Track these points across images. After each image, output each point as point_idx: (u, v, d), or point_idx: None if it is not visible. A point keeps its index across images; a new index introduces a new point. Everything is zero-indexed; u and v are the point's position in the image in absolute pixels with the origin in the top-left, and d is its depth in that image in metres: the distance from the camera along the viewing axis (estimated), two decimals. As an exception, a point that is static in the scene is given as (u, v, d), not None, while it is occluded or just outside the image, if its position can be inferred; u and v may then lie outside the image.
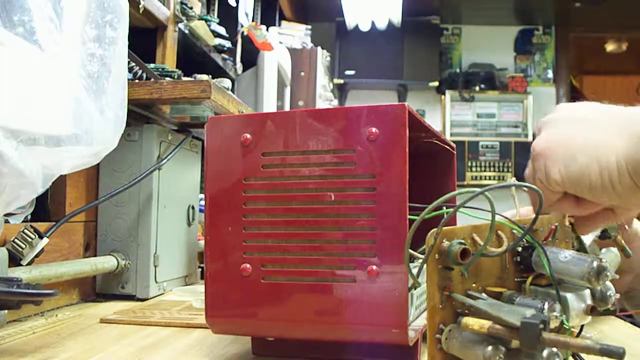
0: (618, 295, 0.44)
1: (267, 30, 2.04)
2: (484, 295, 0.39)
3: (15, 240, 0.62)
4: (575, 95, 4.28)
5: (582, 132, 0.44)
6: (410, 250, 0.39)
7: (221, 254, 0.47)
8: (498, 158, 3.93)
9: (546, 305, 0.38)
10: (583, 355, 0.39)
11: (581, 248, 0.50)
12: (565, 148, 0.45)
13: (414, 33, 3.88)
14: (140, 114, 0.86)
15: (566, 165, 0.44)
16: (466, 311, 0.38)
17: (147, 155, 0.82)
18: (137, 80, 0.85)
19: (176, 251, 0.91)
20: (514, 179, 0.53)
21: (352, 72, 3.89)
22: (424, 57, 3.90)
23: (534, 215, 0.40)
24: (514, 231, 0.43)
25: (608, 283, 0.43)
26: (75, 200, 0.79)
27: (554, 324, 0.37)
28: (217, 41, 1.46)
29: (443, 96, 3.98)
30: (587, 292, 0.42)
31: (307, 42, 2.82)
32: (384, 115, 0.43)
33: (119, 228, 0.82)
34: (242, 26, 1.81)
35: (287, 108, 2.34)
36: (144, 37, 1.05)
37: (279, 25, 2.80)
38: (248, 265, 0.46)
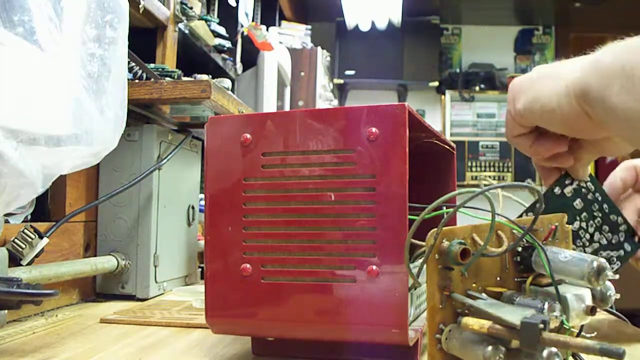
0: (618, 295, 0.44)
1: (267, 30, 2.04)
2: (484, 295, 0.39)
3: (15, 240, 0.62)
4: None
5: (548, 69, 0.50)
6: (413, 240, 0.39)
7: (221, 254, 0.47)
8: (498, 158, 3.94)
9: (546, 305, 0.38)
10: (583, 355, 0.39)
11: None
12: (530, 82, 0.50)
13: (414, 33, 3.88)
14: (140, 114, 0.86)
15: (526, 95, 0.50)
16: (466, 311, 0.38)
17: (147, 155, 0.82)
18: (137, 80, 0.85)
19: (176, 251, 0.91)
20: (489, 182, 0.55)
21: (352, 72, 3.89)
22: (424, 57, 3.90)
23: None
24: (514, 231, 0.43)
25: (608, 283, 0.43)
26: (75, 200, 0.79)
27: (554, 324, 0.37)
28: (217, 41, 1.46)
29: (443, 96, 3.98)
30: (587, 292, 0.42)
31: (307, 42, 2.82)
32: (384, 115, 0.43)
33: (119, 228, 0.82)
34: (242, 26, 1.81)
35: (287, 108, 2.34)
36: (144, 37, 1.05)
37: (279, 25, 2.80)
38: (248, 265, 0.46)
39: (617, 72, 0.41)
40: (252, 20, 2.04)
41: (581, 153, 0.55)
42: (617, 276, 0.44)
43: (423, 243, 0.38)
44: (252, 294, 0.46)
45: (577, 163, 0.56)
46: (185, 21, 1.19)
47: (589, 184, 0.59)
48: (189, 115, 1.00)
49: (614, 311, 0.64)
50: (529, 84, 0.50)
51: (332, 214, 0.44)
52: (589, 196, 0.59)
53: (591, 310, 0.41)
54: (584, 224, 0.58)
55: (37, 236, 0.63)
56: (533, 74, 0.51)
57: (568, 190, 0.58)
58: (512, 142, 0.55)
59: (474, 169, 3.92)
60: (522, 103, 0.50)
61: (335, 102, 3.33)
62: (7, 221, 0.67)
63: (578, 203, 0.59)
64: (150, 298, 0.81)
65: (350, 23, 3.68)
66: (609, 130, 0.47)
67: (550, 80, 0.48)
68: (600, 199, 0.59)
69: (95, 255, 0.82)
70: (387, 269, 0.42)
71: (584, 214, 0.58)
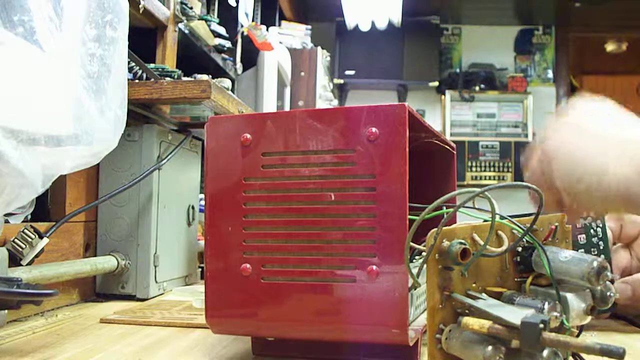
0: (618, 296, 0.44)
1: (267, 30, 2.04)
2: (484, 295, 0.39)
3: (15, 240, 0.62)
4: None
5: (586, 149, 0.47)
6: (412, 244, 0.39)
7: (221, 254, 0.47)
8: (498, 158, 3.93)
9: (546, 305, 0.38)
10: (583, 355, 0.39)
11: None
12: (569, 163, 0.47)
13: (414, 33, 3.88)
14: (140, 114, 0.86)
15: (570, 183, 0.47)
16: (466, 311, 0.38)
17: (147, 155, 0.82)
18: (137, 80, 0.85)
19: (176, 251, 0.91)
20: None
21: (352, 72, 3.89)
22: (424, 57, 3.90)
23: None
24: (514, 231, 0.43)
25: (608, 283, 0.43)
26: (75, 200, 0.79)
27: (554, 324, 0.37)
28: (217, 41, 1.46)
29: (443, 96, 3.98)
30: (588, 292, 0.42)
31: (307, 42, 2.82)
32: (384, 115, 0.43)
33: (119, 228, 0.82)
34: (242, 26, 1.81)
35: (287, 108, 2.34)
36: (144, 37, 1.05)
37: (279, 25, 2.80)
38: (248, 265, 0.46)
39: None
40: (252, 20, 2.04)
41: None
42: (617, 276, 0.44)
43: (422, 247, 0.38)
44: (252, 294, 0.46)
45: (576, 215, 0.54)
46: (185, 21, 1.19)
47: (599, 228, 0.59)
48: (189, 115, 1.00)
49: (614, 313, 0.64)
50: (568, 164, 0.47)
51: (332, 214, 0.44)
52: (594, 239, 0.59)
53: (591, 311, 0.41)
54: None
55: (37, 236, 0.63)
56: (566, 145, 0.48)
57: (580, 221, 0.58)
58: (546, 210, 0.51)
59: (474, 169, 3.92)
60: (561, 183, 0.47)
61: (335, 102, 3.33)
62: (7, 221, 0.67)
63: (582, 238, 0.59)
64: (150, 298, 0.81)
65: (350, 23, 3.68)
66: None
67: (594, 174, 0.45)
68: (602, 246, 0.59)
69: (95, 255, 0.82)
70: (387, 269, 0.42)
71: (582, 250, 0.59)
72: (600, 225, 0.59)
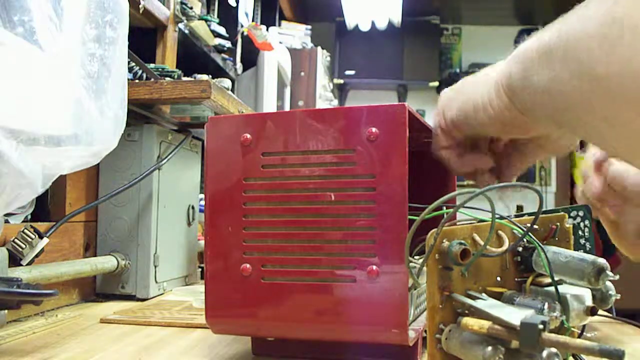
0: (618, 296, 0.44)
1: (267, 30, 2.04)
2: (484, 295, 0.39)
3: (15, 240, 0.62)
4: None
5: (476, 76, 0.50)
6: (411, 259, 0.39)
7: (221, 254, 0.47)
8: (498, 158, 3.93)
9: (546, 306, 0.38)
10: (583, 356, 0.39)
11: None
12: (460, 88, 0.51)
13: (414, 33, 3.88)
14: (140, 114, 0.86)
15: (457, 101, 0.50)
16: (466, 311, 0.38)
17: (147, 155, 0.82)
18: (137, 80, 0.85)
19: (176, 251, 0.91)
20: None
21: (352, 72, 3.89)
22: (424, 57, 3.90)
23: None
24: (515, 231, 0.43)
25: (608, 283, 0.43)
26: (75, 200, 0.79)
27: (554, 325, 0.37)
28: (217, 41, 1.46)
29: (443, 96, 3.98)
30: (588, 292, 0.42)
31: (307, 42, 2.82)
32: (384, 115, 0.43)
33: (119, 228, 0.82)
34: (242, 26, 1.81)
35: (287, 108, 2.34)
36: (144, 37, 1.05)
37: (279, 25, 2.80)
38: (248, 265, 0.46)
39: (534, 52, 0.40)
40: (252, 20, 2.04)
41: (517, 156, 0.54)
42: (617, 276, 0.44)
43: (419, 258, 0.38)
44: (252, 294, 0.46)
45: (512, 168, 0.55)
46: (185, 21, 1.19)
47: (587, 228, 0.59)
48: (189, 115, 1.00)
49: (613, 314, 0.64)
50: (458, 91, 0.51)
51: (332, 214, 0.44)
52: (581, 240, 0.59)
53: (591, 311, 0.41)
54: None
55: (37, 236, 0.63)
56: (459, 83, 0.52)
57: (569, 222, 0.58)
58: (438, 154, 0.54)
59: (474, 169, 3.91)
60: (454, 111, 0.50)
61: (335, 102, 3.33)
62: (7, 221, 0.67)
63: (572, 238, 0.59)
64: (150, 298, 0.81)
65: (350, 23, 3.68)
66: (539, 122, 0.46)
67: (480, 82, 0.48)
68: (588, 248, 0.59)
69: (95, 255, 0.82)
70: (387, 269, 0.42)
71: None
72: (588, 226, 0.59)
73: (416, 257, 0.50)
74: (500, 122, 0.46)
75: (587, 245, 0.59)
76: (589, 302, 0.41)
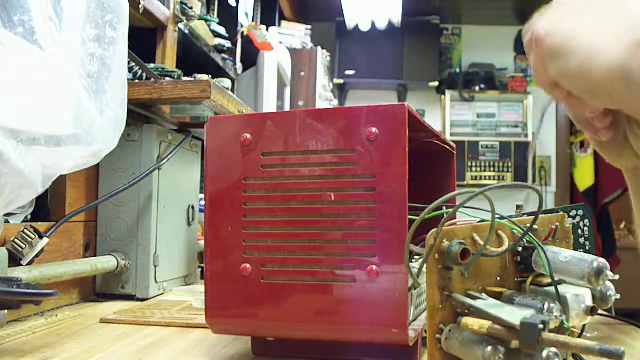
0: (618, 296, 0.44)
1: (267, 30, 2.04)
2: (484, 295, 0.39)
3: (15, 240, 0.62)
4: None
5: (584, 26, 0.40)
6: (412, 246, 0.39)
7: (221, 254, 0.47)
8: (498, 158, 3.93)
9: (546, 306, 0.38)
10: (583, 355, 0.39)
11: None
12: (563, 42, 0.40)
13: (414, 33, 3.88)
14: (140, 114, 0.86)
15: (563, 63, 0.40)
16: (466, 311, 0.38)
17: (147, 155, 0.82)
18: (137, 80, 0.85)
19: (176, 251, 0.91)
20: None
21: (352, 72, 3.89)
22: (424, 57, 3.90)
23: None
24: (514, 231, 0.43)
25: (608, 283, 0.43)
26: (75, 200, 0.79)
27: (553, 325, 0.37)
28: (217, 41, 1.46)
29: (443, 96, 3.98)
30: (588, 292, 0.42)
31: (307, 42, 2.82)
32: (384, 115, 0.43)
33: (119, 228, 0.82)
34: (242, 26, 1.81)
35: (287, 108, 2.34)
36: (144, 37, 1.05)
37: (279, 25, 2.80)
38: (248, 265, 0.46)
39: None
40: (252, 20, 2.04)
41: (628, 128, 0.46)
42: (617, 276, 0.44)
43: (421, 250, 0.38)
44: (252, 294, 0.46)
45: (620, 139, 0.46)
46: (185, 21, 1.19)
47: (586, 228, 0.59)
48: (189, 115, 1.00)
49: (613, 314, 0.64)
50: (560, 46, 0.40)
51: (332, 214, 0.44)
52: (581, 239, 0.59)
53: (591, 311, 0.41)
54: None
55: (37, 236, 0.63)
56: (561, 24, 0.41)
57: (568, 221, 0.58)
58: (544, 88, 0.45)
59: (474, 169, 3.92)
60: (554, 70, 0.41)
61: (335, 102, 3.33)
62: (7, 221, 0.67)
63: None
64: (150, 298, 0.81)
65: (350, 23, 3.68)
66: None
67: (589, 54, 0.38)
68: (588, 247, 0.59)
69: (95, 255, 0.82)
70: (387, 269, 0.42)
71: None
72: (588, 225, 0.59)
73: (416, 257, 0.50)
74: (607, 103, 0.40)
75: (587, 245, 0.59)
76: (589, 302, 0.41)
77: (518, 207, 0.59)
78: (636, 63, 0.36)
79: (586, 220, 0.60)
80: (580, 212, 0.59)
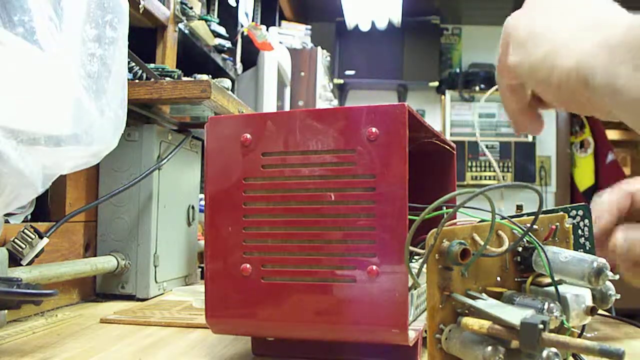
0: (618, 296, 0.44)
1: (267, 30, 2.04)
2: (484, 295, 0.39)
3: (15, 240, 0.62)
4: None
5: (550, 23, 0.42)
6: (411, 247, 0.39)
7: (221, 254, 0.47)
8: (498, 158, 3.93)
9: (546, 306, 0.38)
10: (583, 355, 0.39)
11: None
12: (528, 35, 0.42)
13: (414, 33, 3.88)
14: (140, 114, 0.86)
15: (526, 54, 0.42)
16: (466, 311, 0.38)
17: (147, 155, 0.82)
18: (137, 80, 0.85)
19: (176, 251, 0.91)
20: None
21: (352, 72, 3.89)
22: (424, 57, 3.90)
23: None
24: (514, 231, 0.43)
25: (608, 283, 0.43)
26: (75, 200, 0.79)
27: (553, 325, 0.37)
28: (217, 41, 1.46)
29: (443, 96, 3.98)
30: (588, 292, 0.42)
31: (307, 42, 2.82)
32: (384, 115, 0.43)
33: (119, 228, 0.82)
34: (242, 26, 1.81)
35: (287, 108, 2.34)
36: (144, 37, 1.05)
37: (279, 25, 2.80)
38: (248, 265, 0.46)
39: (629, 48, 0.34)
40: (252, 20, 2.04)
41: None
42: (617, 276, 0.44)
43: (422, 251, 0.38)
44: (252, 294, 0.46)
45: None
46: (185, 21, 1.19)
47: (586, 227, 0.59)
48: (189, 115, 1.00)
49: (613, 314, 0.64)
50: (525, 38, 0.42)
51: (332, 214, 0.44)
52: (581, 239, 0.59)
53: (591, 311, 0.41)
54: None
55: (37, 236, 0.63)
56: (529, 18, 0.43)
57: (568, 221, 0.58)
58: (500, 93, 0.48)
59: (474, 169, 3.92)
60: (516, 60, 0.43)
61: (335, 102, 3.33)
62: (7, 221, 0.67)
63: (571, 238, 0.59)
64: (150, 298, 0.81)
65: (350, 23, 3.68)
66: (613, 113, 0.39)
67: (553, 49, 0.40)
68: (588, 247, 0.59)
69: (95, 255, 0.82)
70: (387, 269, 0.42)
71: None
72: (588, 225, 0.59)
73: (416, 257, 0.50)
74: (561, 99, 0.41)
75: (587, 244, 0.59)
76: (589, 302, 0.41)
77: (518, 207, 0.59)
78: (599, 63, 0.36)
79: (586, 220, 0.59)
80: (581, 212, 0.59)
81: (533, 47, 0.41)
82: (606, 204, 0.57)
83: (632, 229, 0.54)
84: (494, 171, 3.87)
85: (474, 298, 0.38)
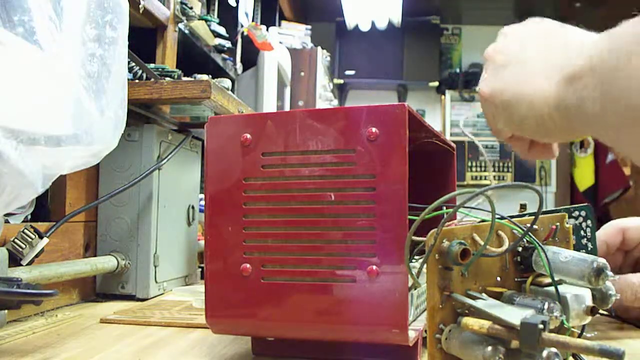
0: (618, 296, 0.44)
1: (267, 30, 2.04)
2: (484, 295, 0.39)
3: (15, 240, 0.62)
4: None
5: (518, 81, 0.45)
6: (414, 237, 0.39)
7: (221, 254, 0.47)
8: (498, 158, 3.94)
9: (546, 306, 0.38)
10: (583, 355, 0.39)
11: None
12: (503, 98, 0.46)
13: (414, 33, 3.88)
14: (140, 114, 0.86)
15: (508, 116, 0.46)
16: (466, 311, 0.38)
17: (147, 155, 0.82)
18: (137, 80, 0.85)
19: (176, 251, 0.91)
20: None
21: (352, 72, 3.89)
22: (424, 57, 3.91)
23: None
24: (514, 231, 0.43)
25: (608, 283, 0.43)
26: (75, 200, 0.79)
27: (553, 325, 0.37)
28: (217, 41, 1.46)
29: (443, 96, 3.98)
30: (588, 292, 0.42)
31: (307, 42, 2.82)
32: (384, 115, 0.43)
33: (119, 228, 0.82)
34: (242, 26, 1.81)
35: (287, 108, 2.34)
36: (144, 37, 1.05)
37: (279, 25, 2.80)
38: (248, 265, 0.46)
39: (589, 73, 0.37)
40: (252, 20, 2.04)
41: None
42: (617, 277, 0.44)
43: (424, 238, 0.38)
44: (252, 294, 0.46)
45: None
46: (185, 21, 1.19)
47: (588, 228, 0.59)
48: (189, 115, 1.00)
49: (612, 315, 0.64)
50: (502, 102, 0.46)
51: (332, 214, 0.44)
52: (583, 240, 0.59)
53: (591, 311, 0.41)
54: None
55: (37, 236, 0.63)
56: (499, 82, 0.47)
57: (571, 221, 0.58)
58: (500, 138, 0.53)
59: (474, 169, 3.92)
60: (504, 124, 0.48)
61: (335, 102, 3.33)
62: (7, 221, 0.67)
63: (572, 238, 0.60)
64: (150, 298, 0.81)
65: (350, 23, 3.68)
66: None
67: (529, 104, 0.43)
68: (590, 248, 0.59)
69: (95, 255, 0.82)
70: (387, 269, 0.42)
71: None
72: (590, 226, 0.59)
73: (416, 257, 0.50)
74: (558, 139, 0.46)
75: (589, 245, 0.59)
76: (589, 302, 0.41)
77: (522, 206, 0.59)
78: (569, 95, 0.39)
79: (589, 221, 0.60)
80: (583, 213, 0.59)
81: (512, 110, 0.45)
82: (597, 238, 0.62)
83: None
84: (493, 171, 3.87)
85: (474, 298, 0.38)
